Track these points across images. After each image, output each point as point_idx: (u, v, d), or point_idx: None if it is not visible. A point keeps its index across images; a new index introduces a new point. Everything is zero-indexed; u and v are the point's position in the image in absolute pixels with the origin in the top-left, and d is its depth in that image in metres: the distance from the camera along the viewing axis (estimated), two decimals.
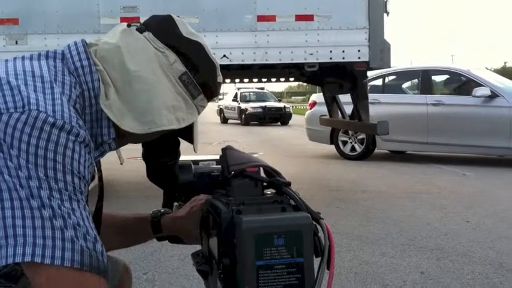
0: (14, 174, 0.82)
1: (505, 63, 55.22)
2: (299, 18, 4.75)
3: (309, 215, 0.97)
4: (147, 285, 3.06)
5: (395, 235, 4.13)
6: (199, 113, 1.12)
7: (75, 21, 4.62)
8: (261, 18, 4.74)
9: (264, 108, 22.16)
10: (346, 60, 4.84)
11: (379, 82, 9.31)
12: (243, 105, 22.76)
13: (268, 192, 1.09)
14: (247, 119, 22.03)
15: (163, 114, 1.02)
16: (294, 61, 4.90)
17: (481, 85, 8.17)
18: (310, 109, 9.80)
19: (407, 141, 8.59)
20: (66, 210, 0.84)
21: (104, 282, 0.86)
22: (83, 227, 0.85)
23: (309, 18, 4.76)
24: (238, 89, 24.57)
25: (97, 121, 1.01)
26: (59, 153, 0.85)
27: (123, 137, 1.06)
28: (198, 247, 1.18)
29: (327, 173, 7.64)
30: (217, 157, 1.23)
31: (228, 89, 29.81)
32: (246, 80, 6.44)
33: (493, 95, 7.98)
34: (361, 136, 8.99)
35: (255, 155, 1.18)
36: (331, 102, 6.52)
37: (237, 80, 6.35)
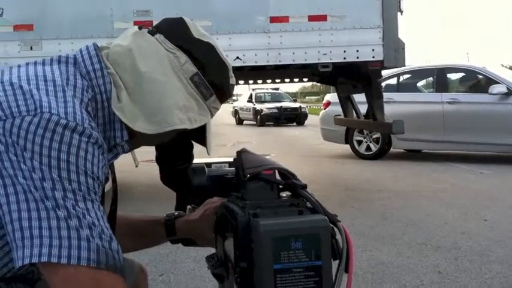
0: (28, 176, 0.84)
1: None
2: (312, 18, 4.74)
3: (326, 217, 0.96)
4: (163, 286, 3.08)
5: (412, 235, 4.10)
6: (212, 114, 1.12)
7: (88, 26, 4.66)
8: (273, 20, 4.74)
9: (279, 108, 21.98)
10: (360, 59, 4.82)
11: (393, 81, 9.25)
12: (258, 106, 22.61)
13: (284, 195, 1.08)
14: (263, 120, 21.89)
15: (175, 113, 1.03)
16: (308, 61, 4.89)
17: (497, 82, 8.09)
18: (325, 109, 9.77)
19: (423, 140, 8.53)
20: (81, 210, 0.85)
21: (121, 280, 0.87)
22: (98, 226, 0.86)
23: (322, 18, 4.75)
24: (253, 89, 24.38)
25: (110, 124, 1.03)
26: (72, 154, 0.86)
27: (136, 139, 1.07)
28: (212, 250, 1.18)
29: (343, 173, 7.62)
30: (231, 159, 1.23)
31: (243, 90, 29.64)
32: (259, 81, 6.44)
33: (510, 92, 7.90)
34: (376, 135, 8.95)
35: (267, 157, 1.18)
36: (346, 102, 6.50)
37: (251, 82, 6.36)
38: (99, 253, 0.84)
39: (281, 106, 22.16)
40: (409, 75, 9.41)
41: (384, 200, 5.49)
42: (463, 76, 9.14)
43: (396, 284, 3.07)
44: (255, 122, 22.57)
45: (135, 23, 4.55)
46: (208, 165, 1.26)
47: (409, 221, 4.53)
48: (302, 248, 0.93)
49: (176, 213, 1.31)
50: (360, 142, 9.18)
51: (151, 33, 1.08)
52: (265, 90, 24.83)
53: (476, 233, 4.15)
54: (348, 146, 9.33)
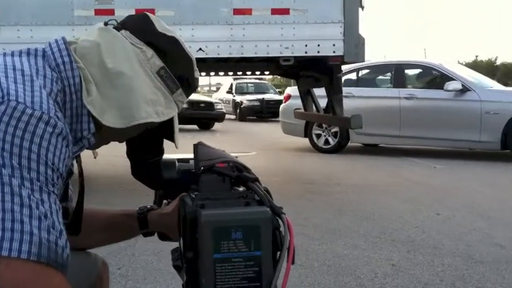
0: None
1: (476, 56, 56.11)
2: (275, 11, 4.76)
3: (269, 209, 0.99)
4: (121, 280, 3.06)
5: (368, 228, 4.19)
6: (178, 108, 1.14)
7: (48, 13, 4.54)
8: (237, 12, 4.74)
9: (261, 101, 19.59)
10: (321, 54, 4.87)
11: (353, 76, 9.39)
12: (238, 98, 20.39)
13: (240, 189, 1.11)
14: (243, 114, 19.70)
15: (142, 107, 1.05)
16: (270, 55, 4.91)
17: (452, 79, 8.31)
18: (285, 102, 9.84)
19: (380, 135, 8.70)
20: (35, 200, 0.85)
21: (60, 276, 0.87)
22: (49, 218, 0.86)
23: (285, 12, 4.77)
24: (235, 79, 21.09)
25: (77, 116, 1.03)
26: (34, 143, 0.87)
27: (104, 134, 1.08)
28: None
29: (301, 166, 7.70)
30: None
31: (225, 81, 26.32)
32: (221, 73, 6.43)
33: (465, 89, 8.13)
34: (335, 129, 9.06)
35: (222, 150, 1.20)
36: (306, 96, 6.56)
37: (212, 73, 6.34)
38: (41, 247, 0.84)
39: (263, 98, 19.75)
40: (368, 71, 9.56)
41: (341, 193, 5.58)
42: (420, 72, 9.35)
43: (351, 276, 3.13)
44: (234, 116, 20.41)
45: (97, 11, 4.48)
46: (186, 160, 1.28)
47: (365, 215, 4.62)
48: (242, 239, 0.96)
49: (148, 206, 1.33)
50: (318, 136, 9.29)
51: (117, 29, 1.10)
52: (248, 80, 22.11)
53: (429, 226, 4.26)
54: (307, 140, 9.43)
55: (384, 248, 3.68)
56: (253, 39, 4.78)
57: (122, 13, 4.52)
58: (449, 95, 8.20)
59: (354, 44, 4.84)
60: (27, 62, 0.99)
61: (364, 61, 5.12)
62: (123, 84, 1.04)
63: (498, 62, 54.48)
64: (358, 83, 9.29)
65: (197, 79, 1.18)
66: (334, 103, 5.41)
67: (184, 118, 13.44)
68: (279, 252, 0.99)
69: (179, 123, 1.18)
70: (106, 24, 1.11)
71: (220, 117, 15.87)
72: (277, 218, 0.99)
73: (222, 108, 16.48)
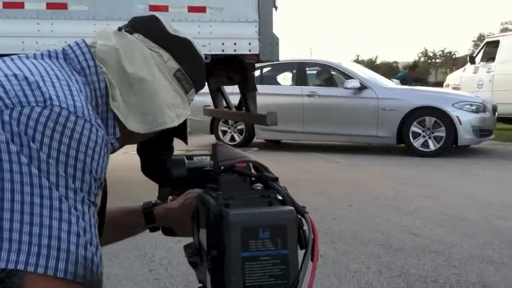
0: (26, 171, 0.80)
1: (358, 56, 59.06)
2: (192, 9, 4.74)
3: (294, 209, 1.02)
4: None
5: None
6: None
7: None
8: (153, 8, 4.66)
9: None
10: (237, 52, 4.92)
11: (257, 73, 9.53)
12: None
13: (258, 188, 1.13)
14: None
15: (166, 112, 1.05)
16: None
17: (351, 77, 8.74)
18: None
19: (284, 131, 8.94)
20: (76, 213, 0.83)
21: None
22: (88, 233, 0.84)
23: (202, 9, 4.77)
24: None
25: (104, 121, 1.01)
26: (80, 151, 0.85)
27: (125, 138, 1.07)
28: (190, 239, 1.20)
29: None
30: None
31: None
32: None
33: (362, 87, 8.57)
34: (241, 126, 9.19)
35: (248, 151, 1.22)
36: (216, 93, 6.58)
37: None
38: (77, 265, 0.82)
39: None
40: (271, 68, 9.77)
41: None
42: (321, 70, 9.72)
43: None
44: None
45: (5, 5, 4.21)
46: (190, 157, 1.28)
47: None
48: (269, 238, 0.99)
49: (153, 201, 1.32)
50: (224, 132, 9.37)
51: (130, 33, 1.09)
52: None
53: (346, 218, 4.48)
54: (213, 136, 9.47)
55: None
56: None
57: (31, 7, 4.31)
58: (348, 92, 8.62)
59: (269, 43, 4.95)
60: (55, 65, 0.95)
61: (278, 60, 5.24)
62: (145, 90, 1.04)
63: (378, 61, 57.81)
64: (263, 80, 9.47)
65: (205, 76, 1.20)
66: (249, 100, 5.49)
67: None
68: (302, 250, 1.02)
69: None
70: (120, 29, 1.10)
71: None
72: (301, 217, 1.02)
73: None
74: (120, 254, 3.22)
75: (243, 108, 5.78)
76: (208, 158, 1.31)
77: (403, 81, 12.22)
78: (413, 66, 15.25)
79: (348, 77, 8.82)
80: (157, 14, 4.38)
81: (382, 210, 4.76)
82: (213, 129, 9.37)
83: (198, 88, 1.17)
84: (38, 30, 4.34)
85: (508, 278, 3.05)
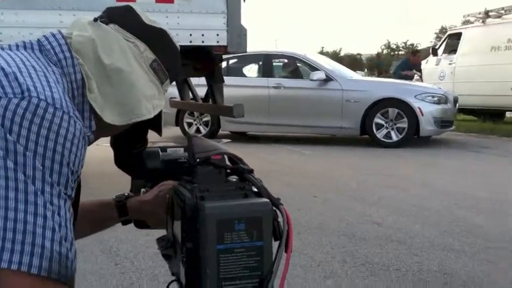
0: (2, 164, 0.80)
1: (322, 48, 59.54)
2: (160, 0, 4.71)
3: (269, 201, 1.04)
4: None
5: None
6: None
7: None
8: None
9: None
10: (205, 44, 4.91)
11: (223, 65, 9.52)
12: None
13: (234, 180, 1.16)
14: None
15: (143, 104, 1.05)
16: None
17: (316, 69, 8.82)
18: None
19: (250, 123, 8.96)
20: (52, 208, 0.83)
21: None
22: (63, 228, 0.84)
23: (169, 0, 4.75)
24: None
25: (80, 113, 1.00)
26: (59, 143, 0.84)
27: (100, 130, 1.07)
28: (161, 232, 1.21)
29: None
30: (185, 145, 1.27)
31: None
32: None
33: (328, 79, 8.66)
34: (206, 118, 9.18)
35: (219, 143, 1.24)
36: (183, 85, 6.56)
37: None
38: (51, 261, 0.81)
39: None
40: (237, 60, 9.77)
41: None
42: (287, 62, 9.77)
43: None
44: None
45: None
46: (164, 149, 1.28)
47: None
48: (245, 229, 1.00)
49: (126, 194, 1.32)
50: (190, 124, 9.35)
51: (105, 23, 1.08)
52: None
53: (310, 208, 4.54)
54: (178, 128, 9.43)
55: None
56: None
57: None
58: (314, 84, 8.70)
59: (237, 34, 4.95)
60: (31, 57, 0.94)
61: (246, 51, 5.25)
62: (123, 81, 1.03)
63: (342, 53, 58.36)
64: (229, 72, 9.46)
65: (181, 67, 1.21)
66: (215, 92, 5.50)
67: None
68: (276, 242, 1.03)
69: None
70: (96, 20, 1.08)
71: None
72: (276, 209, 1.03)
73: None
74: (85, 249, 3.19)
75: (210, 100, 5.77)
76: (182, 149, 1.32)
77: (405, 69, 11.87)
78: (415, 51, 14.39)
79: (313, 68, 8.90)
80: (124, 4, 4.34)
81: (346, 200, 4.86)
82: (178, 121, 9.32)
83: (173, 79, 1.17)
84: (1, 20, 4.26)
85: (468, 266, 3.16)
